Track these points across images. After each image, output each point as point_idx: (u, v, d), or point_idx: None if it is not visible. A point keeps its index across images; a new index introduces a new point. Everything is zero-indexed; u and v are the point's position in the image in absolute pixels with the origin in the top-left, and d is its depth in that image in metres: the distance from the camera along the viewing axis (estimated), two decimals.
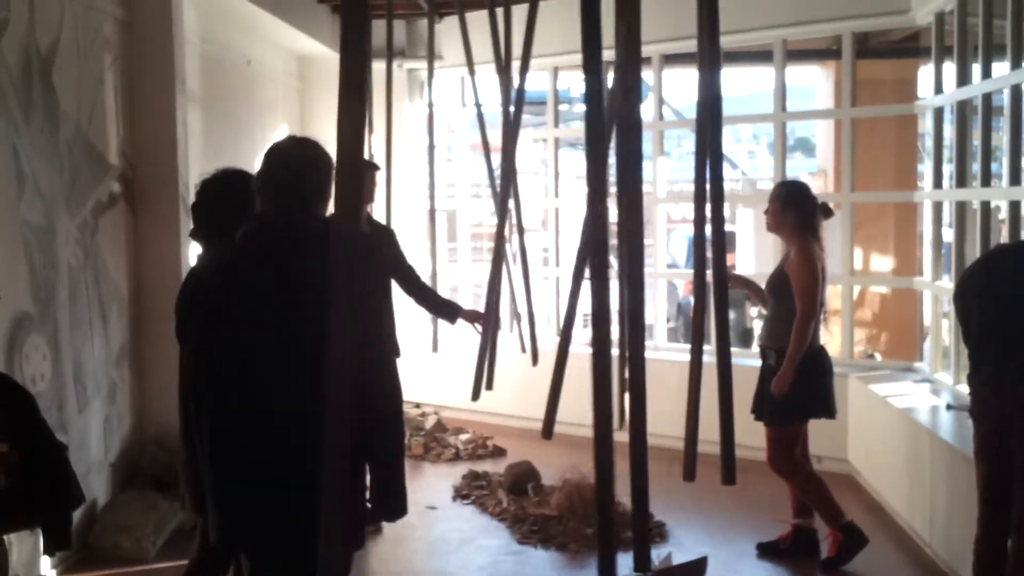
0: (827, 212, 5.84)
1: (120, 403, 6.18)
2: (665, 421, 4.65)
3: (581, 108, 15.22)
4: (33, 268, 5.26)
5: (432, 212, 7.77)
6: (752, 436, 6.83)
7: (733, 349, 9.00)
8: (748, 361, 7.93)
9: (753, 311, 12.06)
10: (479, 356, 5.46)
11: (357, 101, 1.82)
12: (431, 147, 7.88)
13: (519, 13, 5.89)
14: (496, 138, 6.54)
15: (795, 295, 5.55)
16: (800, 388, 5.57)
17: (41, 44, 5.40)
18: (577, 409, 8.50)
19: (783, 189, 5.87)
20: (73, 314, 5.64)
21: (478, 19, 7.34)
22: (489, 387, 5.49)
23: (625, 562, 5.54)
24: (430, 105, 7.97)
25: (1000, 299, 4.34)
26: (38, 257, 5.31)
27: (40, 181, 5.33)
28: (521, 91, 5.50)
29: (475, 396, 5.41)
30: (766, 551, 5.92)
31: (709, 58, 2.84)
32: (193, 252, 6.32)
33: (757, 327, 11.81)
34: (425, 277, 6.60)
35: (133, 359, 6.30)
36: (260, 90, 8.84)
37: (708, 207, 2.91)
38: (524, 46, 5.58)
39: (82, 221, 5.79)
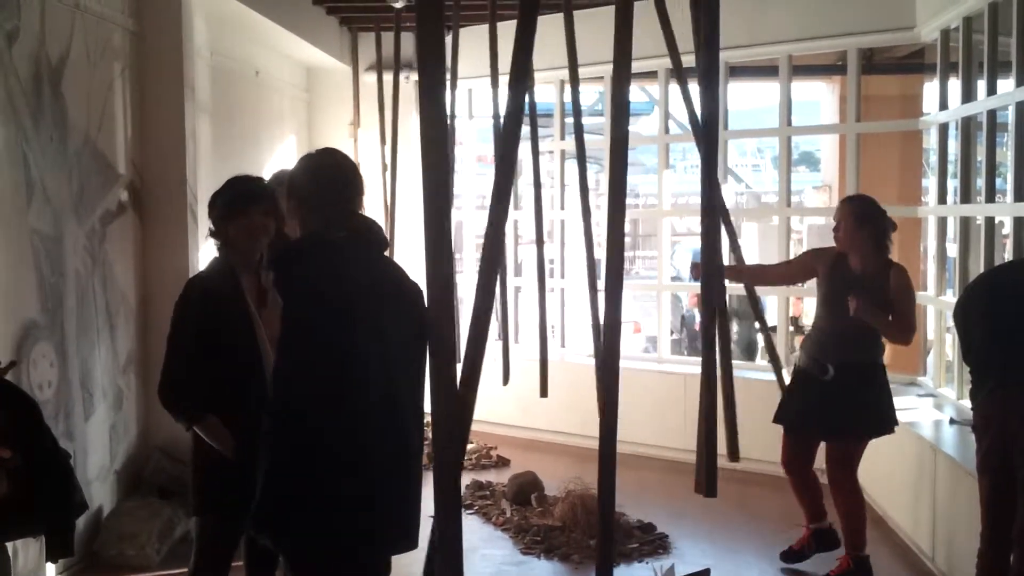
0: (894, 226, 5.71)
1: (126, 411, 6.20)
2: (669, 433, 4.68)
3: (586, 120, 15.17)
4: (41, 276, 5.29)
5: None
6: (760, 449, 6.85)
7: (737, 362, 9.02)
8: (751, 373, 7.97)
9: (757, 323, 12.02)
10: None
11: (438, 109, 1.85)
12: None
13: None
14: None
15: (907, 316, 5.45)
16: (876, 401, 5.54)
17: (51, 54, 5.44)
18: (581, 420, 8.53)
19: (856, 206, 5.65)
20: (80, 322, 5.67)
21: (484, 32, 7.38)
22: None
23: (619, 573, 5.56)
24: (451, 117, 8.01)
25: (1003, 315, 4.35)
26: (46, 265, 5.34)
27: (49, 189, 5.37)
28: (576, 102, 5.50)
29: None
30: (790, 558, 5.90)
31: (706, 72, 2.87)
32: (201, 259, 6.38)
33: (761, 339, 11.80)
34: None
35: (140, 367, 6.33)
36: (268, 101, 8.88)
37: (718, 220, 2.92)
38: (569, 57, 5.57)
39: (90, 229, 5.82)
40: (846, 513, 5.60)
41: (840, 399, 5.51)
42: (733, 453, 4.52)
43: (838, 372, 5.51)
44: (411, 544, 3.33)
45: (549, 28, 5.65)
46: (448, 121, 7.74)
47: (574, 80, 6.29)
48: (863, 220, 5.55)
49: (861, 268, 5.58)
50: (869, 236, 5.54)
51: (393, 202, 7.83)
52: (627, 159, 2.65)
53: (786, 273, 6.34)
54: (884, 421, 5.60)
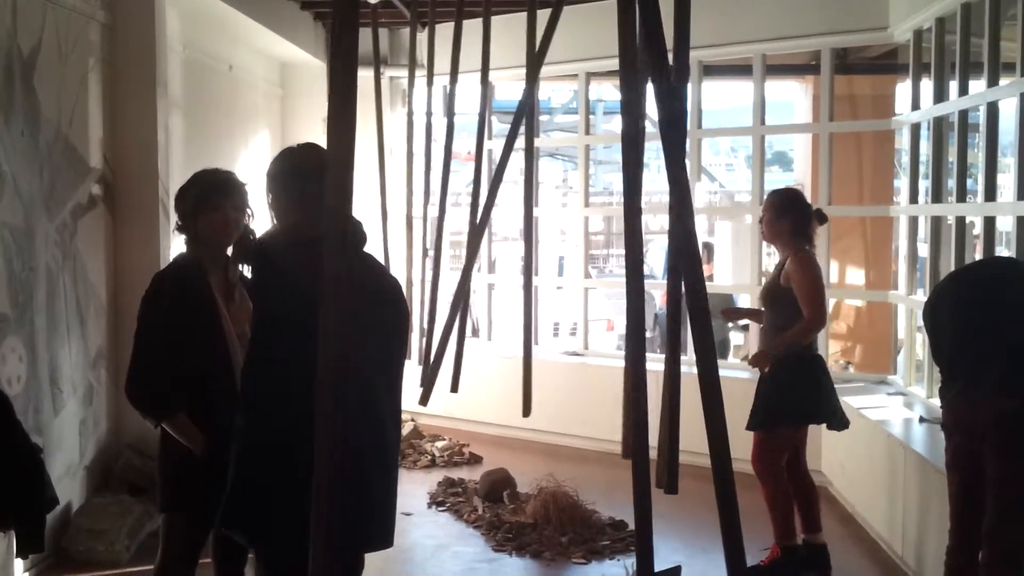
0: (822, 218, 5.81)
1: (96, 406, 6.16)
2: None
3: (562, 118, 15.13)
4: (11, 270, 5.25)
5: (409, 219, 7.84)
6: (733, 447, 6.86)
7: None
8: (722, 372, 7.97)
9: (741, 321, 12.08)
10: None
11: (348, 107, 1.84)
12: (409, 155, 7.95)
13: (500, 23, 5.93)
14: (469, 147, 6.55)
15: (802, 303, 5.49)
16: (788, 392, 5.54)
17: (23, 47, 5.39)
18: (555, 418, 8.54)
19: (776, 197, 5.79)
20: (50, 316, 5.63)
21: (465, 28, 7.36)
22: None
23: (590, 570, 5.59)
24: (409, 113, 8.00)
25: (972, 312, 4.38)
26: (16, 259, 5.30)
27: (20, 183, 5.32)
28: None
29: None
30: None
31: (677, 70, 2.85)
32: (172, 254, 6.33)
33: (734, 338, 11.87)
34: (403, 283, 6.62)
35: (110, 362, 6.29)
36: (242, 96, 8.84)
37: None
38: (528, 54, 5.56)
39: (61, 223, 5.78)
40: (769, 500, 5.64)
41: (766, 390, 5.64)
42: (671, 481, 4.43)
43: (774, 365, 5.59)
44: (386, 542, 3.33)
45: (523, 25, 5.64)
46: (428, 118, 7.81)
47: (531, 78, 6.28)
48: (781, 212, 5.67)
49: (780, 259, 5.75)
50: (787, 227, 5.63)
51: (384, 197, 7.82)
52: (642, 159, 2.65)
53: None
54: (806, 412, 5.65)
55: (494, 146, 8.88)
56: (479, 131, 6.18)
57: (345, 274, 1.85)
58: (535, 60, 5.37)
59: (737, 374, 7.86)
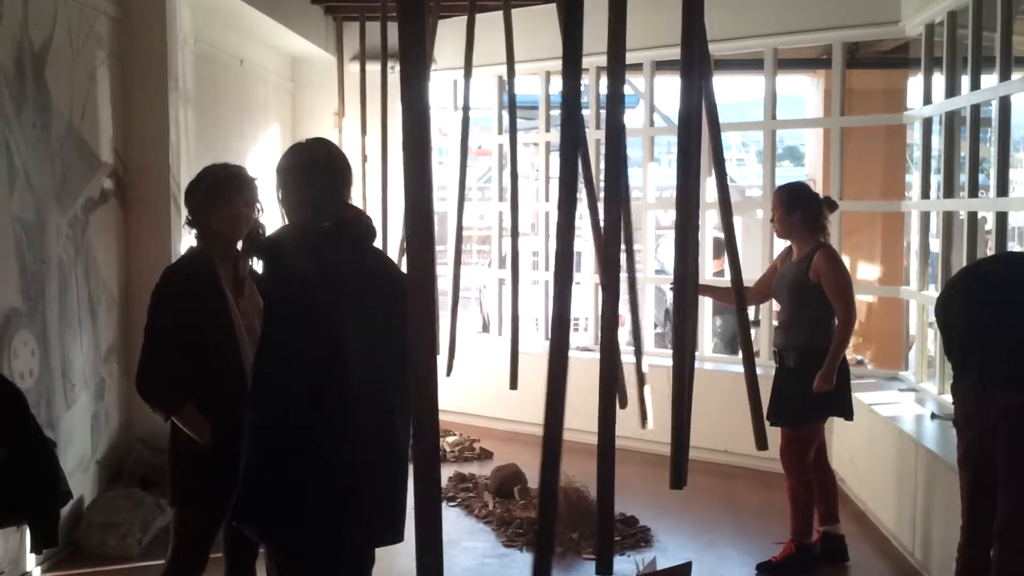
0: (832, 205, 5.84)
1: (108, 400, 6.18)
2: (653, 426, 4.67)
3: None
4: (23, 263, 5.26)
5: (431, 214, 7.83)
6: (740, 443, 6.87)
7: (720, 356, 9.05)
8: (734, 367, 7.97)
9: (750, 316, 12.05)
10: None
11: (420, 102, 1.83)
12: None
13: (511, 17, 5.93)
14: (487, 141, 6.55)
15: (833, 298, 5.52)
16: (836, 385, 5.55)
17: (34, 40, 5.40)
18: (565, 414, 8.44)
19: (783, 194, 5.79)
20: (62, 310, 5.64)
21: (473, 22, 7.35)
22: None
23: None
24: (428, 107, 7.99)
25: (984, 308, 4.36)
26: (28, 253, 5.31)
27: (31, 176, 5.34)
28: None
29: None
30: (766, 570, 5.78)
31: (694, 65, 2.84)
32: (184, 248, 6.34)
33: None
34: None
35: (122, 356, 6.30)
36: (252, 90, 8.85)
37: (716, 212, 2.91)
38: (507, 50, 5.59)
39: (73, 217, 5.79)
40: (793, 493, 5.67)
41: (791, 385, 5.64)
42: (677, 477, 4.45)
43: (797, 359, 5.63)
44: (397, 537, 3.33)
45: (536, 18, 5.64)
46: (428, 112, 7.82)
47: (511, 72, 6.30)
48: (792, 206, 5.68)
49: (798, 253, 5.73)
50: (800, 221, 5.65)
51: (385, 192, 7.82)
52: (625, 152, 2.64)
53: (760, 289, 6.17)
54: (832, 406, 5.67)
55: (504, 140, 8.88)
56: (511, 124, 6.27)
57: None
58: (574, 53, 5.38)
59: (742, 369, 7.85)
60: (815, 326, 5.58)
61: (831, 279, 5.54)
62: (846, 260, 10.03)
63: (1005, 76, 5.79)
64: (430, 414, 1.82)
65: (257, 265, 3.87)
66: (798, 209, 5.66)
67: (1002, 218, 5.85)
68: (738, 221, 13.09)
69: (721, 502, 6.88)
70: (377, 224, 3.76)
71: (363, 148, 8.54)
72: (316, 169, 3.35)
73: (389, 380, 3.24)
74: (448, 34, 7.70)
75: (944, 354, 4.73)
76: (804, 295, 5.63)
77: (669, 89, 10.23)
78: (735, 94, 16.90)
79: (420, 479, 1.87)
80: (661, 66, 8.64)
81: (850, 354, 6.27)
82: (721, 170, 3.24)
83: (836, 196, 7.75)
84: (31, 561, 5.28)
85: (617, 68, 2.51)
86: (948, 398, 5.46)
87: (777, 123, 8.29)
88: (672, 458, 2.97)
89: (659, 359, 8.40)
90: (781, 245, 6.16)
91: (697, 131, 2.80)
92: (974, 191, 6.36)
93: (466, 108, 6.83)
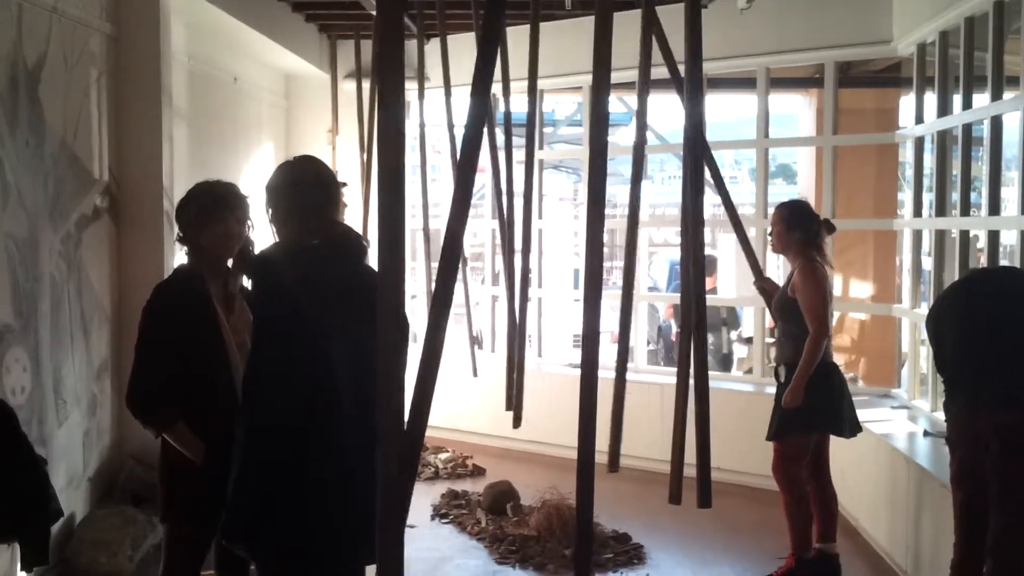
0: (831, 228, 5.88)
1: (100, 417, 6.16)
2: (645, 444, 4.70)
3: (566, 131, 15.06)
4: (15, 281, 5.26)
5: (427, 231, 7.88)
6: (734, 459, 6.88)
7: (712, 373, 9.03)
8: (726, 384, 7.99)
9: (733, 335, 12.11)
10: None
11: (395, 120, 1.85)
12: (423, 166, 7.98)
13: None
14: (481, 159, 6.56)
15: (804, 312, 5.53)
16: (805, 402, 5.53)
17: (28, 58, 5.41)
18: (558, 430, 8.52)
19: (786, 210, 5.80)
20: (55, 327, 5.64)
21: (464, 41, 7.39)
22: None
23: None
24: (421, 126, 8.02)
25: (976, 324, 4.37)
26: (20, 270, 5.30)
27: (24, 194, 5.34)
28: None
29: None
30: None
31: (690, 84, 2.87)
32: (174, 264, 6.34)
33: (737, 350, 11.87)
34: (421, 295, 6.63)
35: (114, 373, 6.29)
36: (246, 107, 8.86)
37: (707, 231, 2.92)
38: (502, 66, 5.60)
39: (65, 234, 5.78)
40: (788, 509, 5.66)
41: (779, 399, 5.66)
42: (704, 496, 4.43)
43: (786, 375, 5.65)
44: None
45: (524, 37, 5.67)
46: (421, 129, 7.85)
47: (506, 90, 6.35)
48: (793, 224, 5.71)
49: (788, 271, 5.81)
50: (799, 239, 5.68)
51: (366, 209, 7.86)
52: (606, 169, 2.64)
53: None
54: (816, 421, 5.65)
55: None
56: (507, 142, 6.31)
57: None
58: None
59: (738, 386, 7.87)
60: (798, 341, 5.58)
61: (803, 294, 5.57)
62: (838, 278, 10.09)
63: (997, 96, 5.82)
64: (397, 428, 1.84)
65: (247, 282, 3.88)
66: (799, 227, 5.68)
67: (994, 236, 5.87)
68: (730, 239, 13.13)
69: (713, 519, 6.87)
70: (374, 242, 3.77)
71: (362, 165, 8.55)
72: (304, 187, 3.38)
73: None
74: (433, 53, 7.72)
75: (936, 371, 4.74)
76: (786, 311, 5.69)
77: (660, 107, 10.25)
78: (728, 112, 16.97)
79: (386, 495, 1.88)
80: (654, 84, 8.64)
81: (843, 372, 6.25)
82: (723, 189, 3.26)
83: (828, 214, 7.79)
84: None
85: (602, 87, 2.52)
86: (941, 415, 5.46)
87: (770, 141, 8.31)
88: (698, 477, 2.98)
89: (651, 376, 8.43)
90: (774, 261, 6.18)
91: (702, 151, 2.81)
92: (966, 210, 6.38)
93: (451, 126, 6.88)
